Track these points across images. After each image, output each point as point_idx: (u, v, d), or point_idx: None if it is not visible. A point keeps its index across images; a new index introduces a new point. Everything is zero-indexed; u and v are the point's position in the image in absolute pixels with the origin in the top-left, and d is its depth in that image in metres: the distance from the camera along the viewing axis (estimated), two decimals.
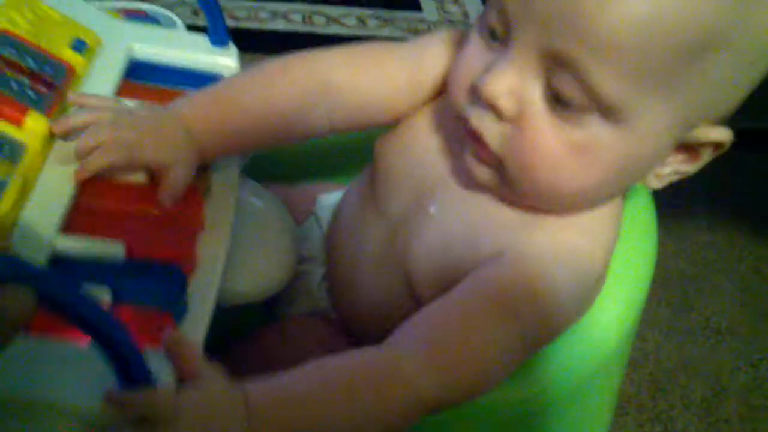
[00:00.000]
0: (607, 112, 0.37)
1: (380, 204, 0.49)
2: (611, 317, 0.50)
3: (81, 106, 0.44)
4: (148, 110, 0.45)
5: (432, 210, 0.46)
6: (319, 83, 0.47)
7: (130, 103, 0.47)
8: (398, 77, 0.47)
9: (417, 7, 1.27)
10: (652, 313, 0.89)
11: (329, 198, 0.59)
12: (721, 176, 1.06)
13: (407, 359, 0.37)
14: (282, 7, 1.22)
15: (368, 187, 0.50)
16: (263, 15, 1.21)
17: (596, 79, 0.36)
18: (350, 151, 0.64)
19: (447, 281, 0.42)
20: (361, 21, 1.22)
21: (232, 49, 0.55)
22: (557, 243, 0.42)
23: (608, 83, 0.36)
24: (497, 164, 0.41)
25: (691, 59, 0.36)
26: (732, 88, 0.39)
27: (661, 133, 0.39)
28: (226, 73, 0.53)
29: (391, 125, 0.49)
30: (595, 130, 0.38)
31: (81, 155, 0.41)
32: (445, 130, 0.47)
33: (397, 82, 0.47)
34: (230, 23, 1.18)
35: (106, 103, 0.45)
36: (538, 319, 0.40)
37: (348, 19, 1.22)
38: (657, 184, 0.43)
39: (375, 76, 0.47)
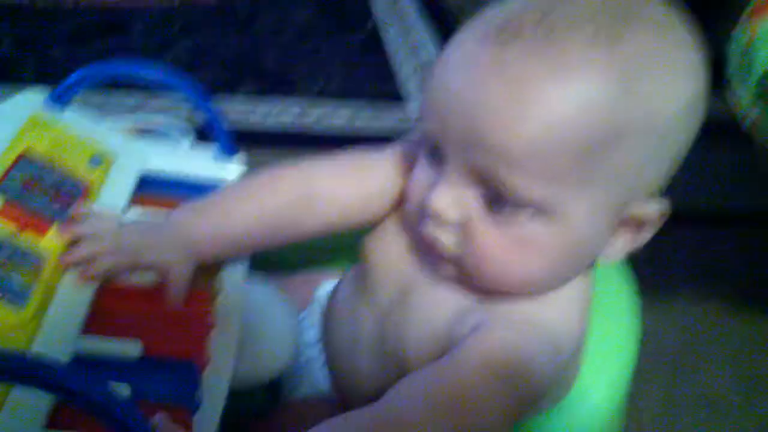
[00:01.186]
0: (535, 209, 0.42)
1: (369, 296, 0.53)
2: (600, 394, 0.53)
3: (87, 218, 0.49)
4: (147, 222, 0.50)
5: (415, 301, 0.49)
6: (304, 193, 0.52)
7: (136, 212, 0.52)
8: (375, 184, 0.52)
9: (403, 102, 1.34)
10: (646, 388, 0.91)
11: (329, 286, 0.62)
12: (707, 248, 1.11)
13: (407, 412, 0.40)
14: (275, 107, 1.29)
15: (359, 279, 0.54)
16: (257, 114, 1.27)
17: (516, 186, 0.41)
18: (349, 237, 0.68)
19: None
20: (351, 117, 1.29)
21: (238, 158, 0.60)
22: (532, 314, 0.46)
23: (527, 187, 0.41)
24: (456, 262, 0.46)
25: (595, 154, 0.41)
26: (651, 165, 0.43)
27: (593, 219, 0.43)
28: (231, 182, 0.58)
29: (377, 223, 0.54)
30: (531, 226, 0.43)
31: (83, 260, 0.46)
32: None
33: (374, 189, 0.52)
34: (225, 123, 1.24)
35: (111, 215, 0.50)
36: (522, 379, 0.43)
37: (339, 115, 1.29)
38: (613, 258, 0.47)
39: (354, 184, 0.52)
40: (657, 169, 0.44)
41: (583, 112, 0.40)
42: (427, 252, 0.48)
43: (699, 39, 0.44)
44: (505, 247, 0.44)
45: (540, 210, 0.42)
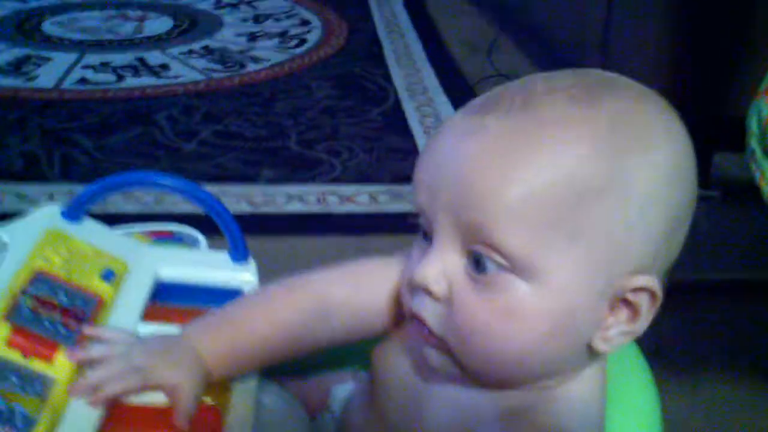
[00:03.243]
0: (521, 269, 0.42)
1: (380, 409, 0.51)
2: None
3: (97, 340, 0.49)
4: (159, 338, 0.50)
5: (430, 417, 0.48)
6: (318, 303, 0.51)
7: (148, 328, 0.52)
8: (386, 291, 0.52)
9: None
10: None
11: (343, 389, 0.61)
12: (735, 327, 1.07)
13: None
14: (297, 190, 1.30)
15: (370, 391, 0.53)
16: (279, 198, 1.28)
17: (500, 241, 0.41)
18: None
19: None
20: (373, 198, 1.29)
21: (252, 264, 0.60)
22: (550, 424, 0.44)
23: (511, 242, 0.41)
24: (442, 345, 0.45)
25: (574, 209, 0.41)
26: (634, 235, 0.43)
27: (577, 287, 0.42)
28: (246, 288, 0.58)
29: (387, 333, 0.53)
30: (515, 292, 0.42)
31: (95, 386, 0.46)
32: None
33: (385, 296, 0.52)
34: (248, 208, 1.25)
35: (120, 336, 0.50)
36: None
37: (360, 197, 1.29)
38: (605, 347, 0.45)
39: (367, 292, 0.52)
40: (642, 242, 0.43)
41: (559, 167, 0.41)
42: (414, 336, 0.46)
43: (681, 120, 0.45)
44: (487, 318, 0.43)
45: (524, 271, 0.42)
